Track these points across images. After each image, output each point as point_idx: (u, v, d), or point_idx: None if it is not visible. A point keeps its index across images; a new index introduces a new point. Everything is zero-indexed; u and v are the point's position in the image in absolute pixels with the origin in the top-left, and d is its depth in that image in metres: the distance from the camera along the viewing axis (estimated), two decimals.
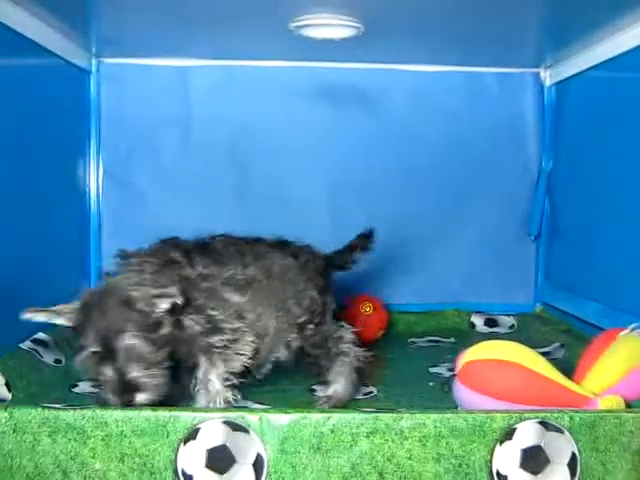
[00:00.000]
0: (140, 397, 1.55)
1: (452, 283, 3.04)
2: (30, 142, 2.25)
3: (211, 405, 1.71)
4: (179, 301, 1.60)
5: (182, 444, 1.43)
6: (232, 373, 1.73)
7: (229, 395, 1.72)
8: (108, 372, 1.56)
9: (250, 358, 1.79)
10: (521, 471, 1.44)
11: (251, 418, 1.44)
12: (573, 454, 1.46)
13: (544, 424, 1.46)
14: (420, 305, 2.99)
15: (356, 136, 2.98)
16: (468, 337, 2.73)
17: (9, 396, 1.85)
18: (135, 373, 1.55)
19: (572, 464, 1.46)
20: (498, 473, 1.44)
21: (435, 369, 2.30)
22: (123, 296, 1.58)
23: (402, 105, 2.98)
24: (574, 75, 2.71)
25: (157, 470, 1.43)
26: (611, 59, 2.38)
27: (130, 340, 1.56)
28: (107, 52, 2.81)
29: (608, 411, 1.54)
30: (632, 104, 2.27)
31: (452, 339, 2.75)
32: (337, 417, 1.45)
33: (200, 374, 1.72)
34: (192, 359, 1.71)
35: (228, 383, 1.73)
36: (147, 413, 1.44)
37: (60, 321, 1.63)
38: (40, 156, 2.35)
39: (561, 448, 1.45)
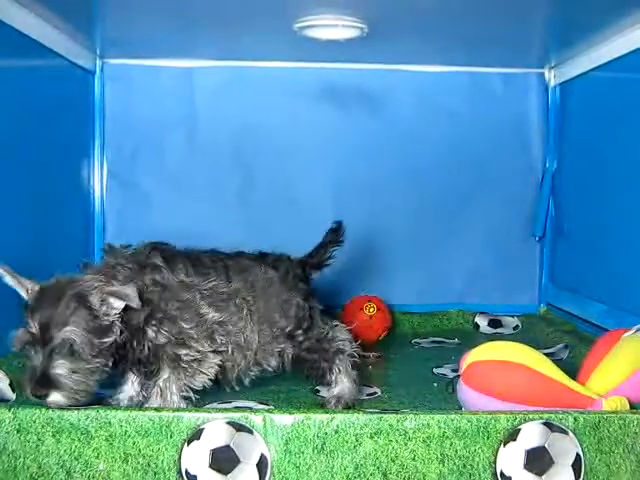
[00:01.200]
0: (55, 396, 1.48)
1: (456, 284, 3.04)
2: (34, 142, 2.26)
3: None
4: (135, 304, 1.57)
5: (186, 444, 1.43)
6: (191, 388, 1.71)
7: (182, 407, 1.68)
8: (35, 359, 1.50)
9: (222, 374, 1.80)
10: (525, 472, 1.44)
11: (255, 419, 1.44)
12: (577, 455, 1.46)
13: (548, 425, 1.46)
14: (424, 306, 2.99)
15: (361, 136, 2.98)
16: (472, 338, 2.73)
17: (13, 396, 1.84)
18: (60, 370, 1.50)
19: (576, 465, 1.45)
20: (502, 474, 1.44)
21: (439, 370, 2.30)
22: (79, 291, 1.55)
23: (406, 105, 2.98)
24: (579, 75, 2.71)
25: (161, 470, 1.43)
26: (616, 59, 2.38)
27: (70, 335, 1.51)
28: (112, 53, 2.82)
29: (612, 412, 1.54)
30: (637, 104, 2.27)
31: (456, 340, 2.75)
32: (341, 418, 1.45)
33: (160, 382, 1.69)
34: (155, 364, 1.69)
35: (184, 394, 1.70)
36: (151, 413, 1.44)
37: (21, 292, 1.60)
38: (44, 157, 2.35)
39: (565, 449, 1.45)
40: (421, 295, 3.01)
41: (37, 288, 1.58)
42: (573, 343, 2.45)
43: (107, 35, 2.58)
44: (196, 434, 1.43)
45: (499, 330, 2.89)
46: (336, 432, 1.44)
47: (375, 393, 2.04)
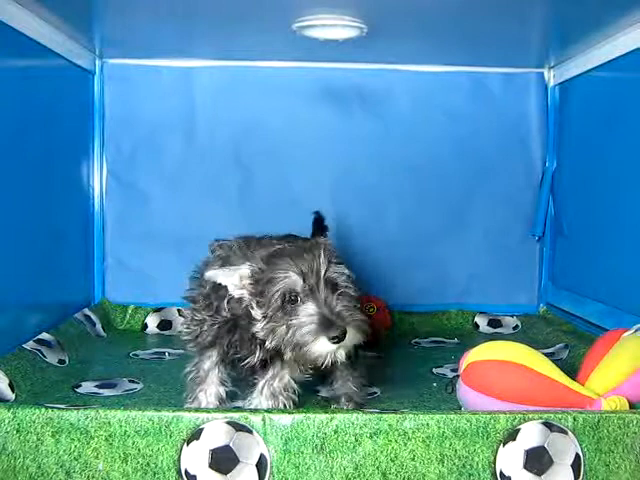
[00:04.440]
0: (351, 334, 1.42)
1: (456, 283, 3.04)
2: (33, 142, 2.26)
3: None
4: None
5: (185, 444, 1.43)
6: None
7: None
8: (307, 308, 1.43)
9: None
10: (525, 472, 1.44)
11: (254, 419, 1.44)
12: (577, 455, 1.46)
13: (548, 425, 1.46)
14: (423, 306, 2.99)
15: (360, 136, 2.98)
16: (472, 338, 2.73)
17: (13, 396, 1.85)
18: (339, 307, 1.44)
19: (576, 465, 1.46)
20: (502, 474, 1.44)
21: (439, 370, 2.30)
22: (322, 242, 1.55)
23: (406, 105, 2.98)
24: (578, 75, 2.71)
25: (160, 470, 1.43)
26: (615, 59, 2.38)
27: (340, 270, 1.48)
28: (111, 53, 2.82)
29: (612, 412, 1.54)
30: (635, 104, 2.27)
31: (456, 340, 2.75)
32: (340, 418, 1.45)
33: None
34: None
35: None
36: (150, 413, 1.44)
37: (235, 279, 1.54)
38: (43, 156, 2.35)
39: (565, 449, 1.45)
40: (421, 295, 3.01)
41: (264, 258, 1.53)
42: (573, 343, 2.45)
43: (106, 35, 2.58)
44: (196, 434, 1.43)
45: (499, 330, 2.89)
46: (335, 432, 1.44)
47: (375, 393, 2.04)
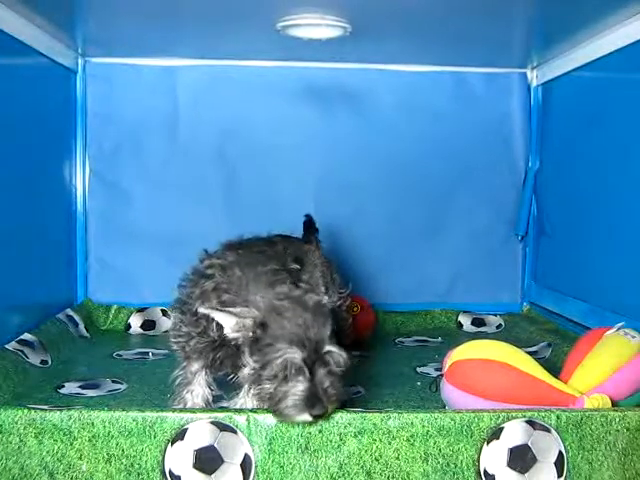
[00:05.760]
0: (331, 409, 1.43)
1: (439, 283, 3.04)
2: (16, 141, 2.24)
3: None
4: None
5: (170, 445, 1.42)
6: None
7: None
8: (300, 383, 1.43)
9: None
10: (508, 470, 1.45)
11: (239, 418, 1.44)
12: (560, 453, 1.47)
13: (531, 423, 1.47)
14: (407, 305, 2.99)
15: (343, 136, 2.98)
16: (455, 337, 2.74)
17: None
18: (327, 383, 1.44)
19: (559, 463, 1.47)
20: (485, 472, 1.45)
21: (423, 369, 2.31)
22: (321, 305, 1.51)
23: (389, 105, 2.99)
24: (560, 75, 2.72)
25: (144, 471, 1.42)
26: (597, 60, 2.39)
27: (334, 348, 1.46)
28: (94, 51, 2.80)
29: (595, 410, 1.55)
30: (617, 104, 2.28)
31: (439, 339, 2.75)
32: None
33: None
34: None
35: None
36: (134, 414, 1.44)
37: (232, 322, 1.50)
38: (26, 156, 2.33)
39: (548, 447, 1.46)
40: (404, 294, 3.01)
41: (261, 312, 1.49)
42: (555, 341, 2.46)
43: (89, 34, 2.56)
44: (180, 434, 1.43)
45: (482, 329, 2.90)
46: (320, 431, 1.44)
47: (359, 392, 2.04)
